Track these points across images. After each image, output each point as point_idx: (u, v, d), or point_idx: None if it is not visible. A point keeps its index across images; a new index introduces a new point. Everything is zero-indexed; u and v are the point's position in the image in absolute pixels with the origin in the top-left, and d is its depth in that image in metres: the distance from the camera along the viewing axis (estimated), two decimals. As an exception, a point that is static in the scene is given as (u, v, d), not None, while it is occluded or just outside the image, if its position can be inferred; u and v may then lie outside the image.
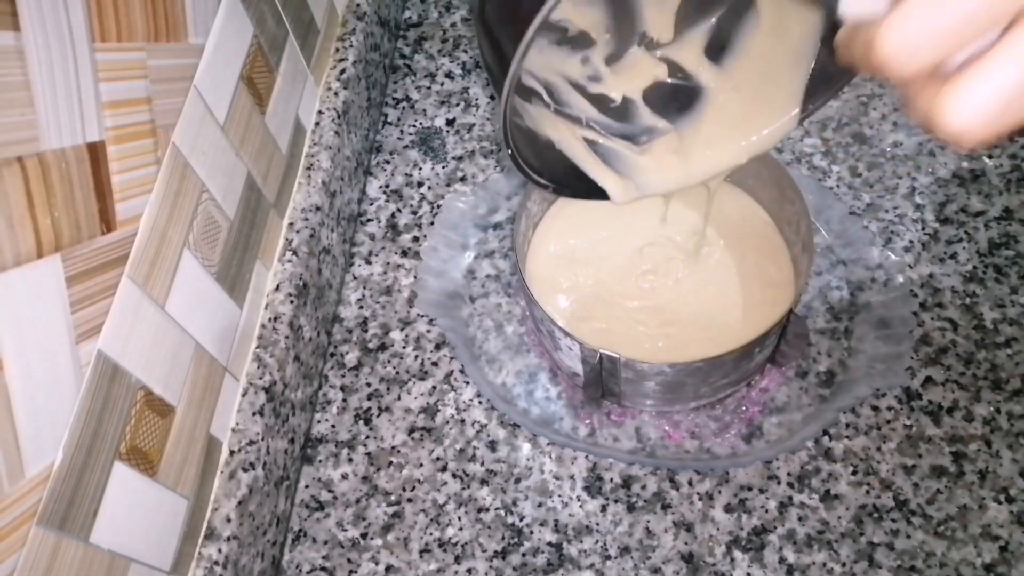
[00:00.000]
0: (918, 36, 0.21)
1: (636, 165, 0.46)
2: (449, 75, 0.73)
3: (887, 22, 0.21)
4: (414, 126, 0.71)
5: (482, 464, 0.55)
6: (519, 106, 0.43)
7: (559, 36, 0.42)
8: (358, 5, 0.68)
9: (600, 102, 0.45)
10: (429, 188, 0.67)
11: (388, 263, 0.64)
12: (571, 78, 0.43)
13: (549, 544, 0.52)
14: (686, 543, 0.51)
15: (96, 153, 0.38)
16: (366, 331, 0.61)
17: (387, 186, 0.68)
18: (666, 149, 0.46)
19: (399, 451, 0.56)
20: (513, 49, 0.34)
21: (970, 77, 0.21)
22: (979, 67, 0.21)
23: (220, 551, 0.46)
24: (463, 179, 0.67)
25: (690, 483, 0.53)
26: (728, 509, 0.52)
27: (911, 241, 0.60)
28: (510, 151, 0.41)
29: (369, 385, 0.59)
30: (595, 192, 0.46)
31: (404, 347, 0.60)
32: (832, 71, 0.41)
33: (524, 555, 0.52)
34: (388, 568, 0.52)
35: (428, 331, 0.60)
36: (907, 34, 0.21)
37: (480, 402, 0.57)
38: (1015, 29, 0.21)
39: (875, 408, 0.54)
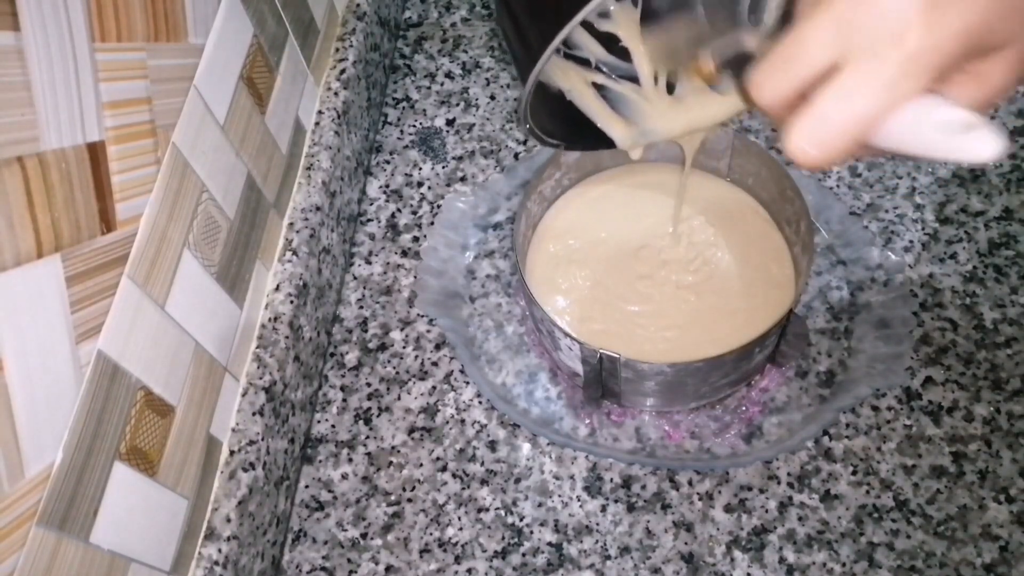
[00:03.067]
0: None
1: (642, 111, 0.47)
2: (449, 75, 0.73)
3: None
4: (414, 126, 0.71)
5: (482, 464, 0.55)
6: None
7: None
8: (358, 5, 0.68)
9: (609, 43, 0.45)
10: (429, 188, 0.67)
11: (388, 263, 0.64)
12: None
13: (549, 544, 0.52)
14: (686, 543, 0.51)
15: (96, 153, 0.38)
16: (366, 331, 0.61)
17: (387, 186, 0.68)
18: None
19: (399, 451, 0.56)
20: (534, 27, 0.35)
21: (800, 114, 0.28)
22: (807, 106, 0.28)
23: (220, 551, 0.46)
24: (463, 179, 0.67)
25: (690, 483, 0.53)
26: (728, 509, 0.52)
27: (911, 241, 0.60)
28: (527, 125, 0.42)
29: (369, 385, 0.59)
30: (602, 142, 0.47)
31: (404, 347, 0.60)
32: None
33: (524, 555, 0.52)
34: (388, 568, 0.52)
35: (428, 331, 0.60)
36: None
37: (480, 402, 0.57)
38: (833, 76, 0.28)
39: (875, 408, 0.54)
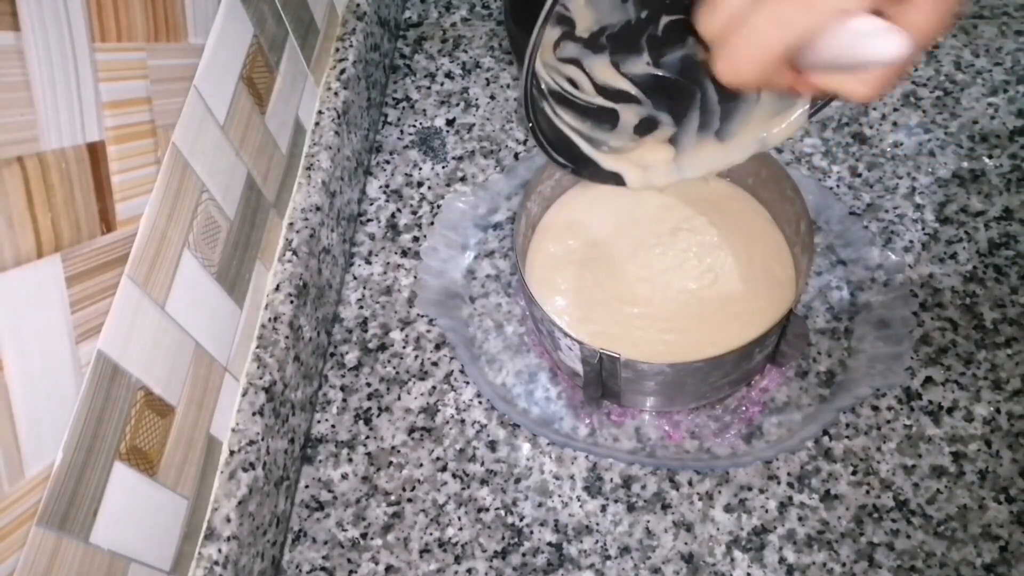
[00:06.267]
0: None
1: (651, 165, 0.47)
2: (449, 75, 0.73)
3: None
4: (414, 126, 0.71)
5: (482, 464, 0.55)
6: (540, 94, 0.44)
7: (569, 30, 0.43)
8: (358, 5, 0.68)
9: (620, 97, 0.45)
10: (429, 188, 0.67)
11: (388, 263, 0.64)
12: (595, 77, 0.45)
13: (549, 544, 0.52)
14: (686, 543, 0.51)
15: (96, 153, 0.38)
16: (366, 331, 0.61)
17: (387, 186, 0.68)
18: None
19: (399, 451, 0.56)
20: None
21: (733, 34, 0.31)
22: (740, 27, 0.31)
23: (220, 551, 0.46)
24: (463, 179, 0.67)
25: (690, 483, 0.53)
26: (728, 509, 0.52)
27: (911, 241, 0.60)
28: (530, 124, 0.43)
29: (369, 385, 0.59)
30: (611, 176, 0.47)
31: (404, 347, 0.60)
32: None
33: (524, 555, 0.52)
34: (388, 568, 0.52)
35: (428, 331, 0.60)
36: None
37: (480, 402, 0.57)
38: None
39: (875, 408, 0.54)
